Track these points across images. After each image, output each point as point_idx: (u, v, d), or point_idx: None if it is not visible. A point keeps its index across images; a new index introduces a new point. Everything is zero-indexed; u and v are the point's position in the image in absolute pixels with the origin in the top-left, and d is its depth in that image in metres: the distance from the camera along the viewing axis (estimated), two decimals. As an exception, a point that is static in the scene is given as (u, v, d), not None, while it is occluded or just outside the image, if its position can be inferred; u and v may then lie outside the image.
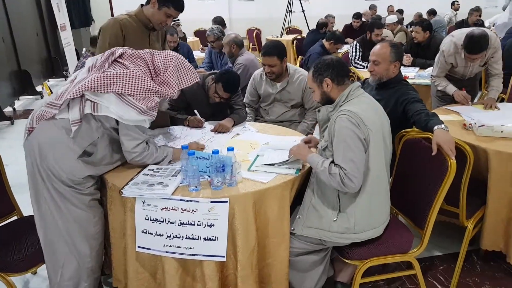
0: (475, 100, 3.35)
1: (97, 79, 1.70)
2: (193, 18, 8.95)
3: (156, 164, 1.95)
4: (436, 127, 1.97)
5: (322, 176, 1.77)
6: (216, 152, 1.78)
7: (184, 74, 1.92)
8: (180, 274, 1.80)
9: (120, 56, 1.83)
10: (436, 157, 1.88)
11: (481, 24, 7.06)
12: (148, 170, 1.90)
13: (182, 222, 1.73)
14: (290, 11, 8.63)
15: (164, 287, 1.81)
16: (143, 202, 1.74)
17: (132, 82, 1.73)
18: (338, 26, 7.81)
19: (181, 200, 1.71)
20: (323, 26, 6.25)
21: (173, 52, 1.94)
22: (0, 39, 5.48)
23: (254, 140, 2.35)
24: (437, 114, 2.12)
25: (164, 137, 2.40)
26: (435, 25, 8.19)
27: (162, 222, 1.74)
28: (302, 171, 1.93)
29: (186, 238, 1.73)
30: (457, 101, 3.05)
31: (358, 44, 4.89)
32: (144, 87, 1.75)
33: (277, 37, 8.13)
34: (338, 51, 4.91)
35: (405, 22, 8.45)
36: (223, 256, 1.74)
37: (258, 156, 2.08)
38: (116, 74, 1.73)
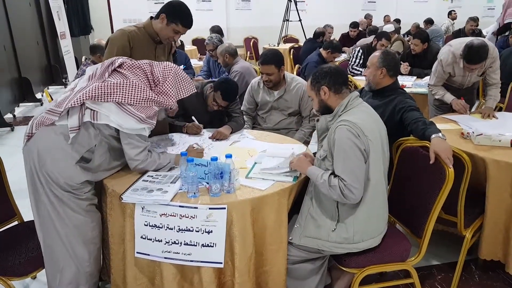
0: (473, 110, 3.37)
1: (98, 88, 1.73)
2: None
3: (158, 170, 1.96)
4: (433, 135, 1.98)
5: (322, 189, 1.78)
6: (214, 159, 1.79)
7: (182, 85, 1.97)
8: (178, 280, 1.80)
9: (120, 66, 1.86)
10: (434, 166, 1.89)
11: (478, 33, 7.12)
12: (148, 176, 1.91)
13: (180, 228, 1.73)
14: (287, 20, 8.68)
15: (162, 293, 1.81)
16: (143, 208, 1.74)
17: (132, 91, 1.77)
18: (335, 35, 7.87)
19: (180, 206, 1.71)
20: (320, 35, 6.29)
21: (172, 63, 1.98)
22: (1, 47, 5.53)
23: (252, 148, 2.36)
24: (434, 123, 2.14)
25: (163, 144, 2.41)
26: (432, 34, 8.25)
27: (161, 228, 1.74)
28: (300, 178, 1.94)
29: (184, 244, 1.74)
30: (454, 110, 3.06)
31: (362, 50, 4.91)
32: (143, 97, 1.79)
33: (274, 46, 8.17)
34: (336, 60, 4.95)
35: (402, 31, 8.52)
36: (221, 263, 1.74)
37: (256, 163, 2.09)
38: (116, 83, 1.76)
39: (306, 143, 2.96)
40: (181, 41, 6.69)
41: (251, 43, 8.45)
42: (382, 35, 4.98)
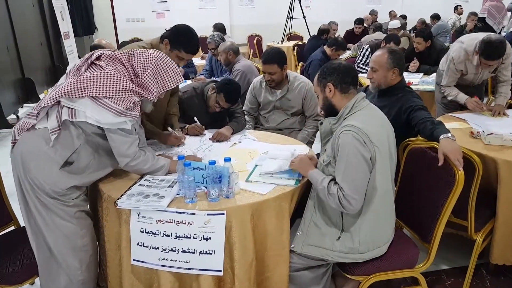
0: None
1: (71, 84, 1.63)
2: (194, 26, 8.93)
3: (152, 173, 1.89)
4: (442, 136, 1.89)
5: (321, 195, 1.71)
6: (212, 162, 1.71)
7: (165, 76, 1.78)
8: (176, 288, 1.73)
9: (98, 58, 1.75)
10: (443, 168, 1.80)
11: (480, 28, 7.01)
12: (144, 180, 1.85)
13: (178, 235, 1.66)
14: (291, 17, 8.58)
15: (160, 301, 1.75)
16: (138, 214, 1.68)
17: (106, 83, 1.64)
18: (339, 32, 7.76)
19: (177, 212, 1.65)
20: (324, 32, 6.20)
21: (156, 52, 1.82)
22: (4, 47, 5.50)
23: (253, 149, 2.28)
24: (442, 123, 2.04)
25: (164, 146, 2.34)
26: (438, 29, 8.13)
27: (158, 234, 1.68)
28: (302, 181, 1.86)
29: (182, 251, 1.67)
30: (463, 108, 2.97)
31: (370, 48, 4.79)
32: (119, 87, 1.65)
33: (278, 43, 8.08)
34: (340, 57, 4.85)
35: (408, 27, 8.38)
36: (220, 271, 1.67)
37: (256, 166, 2.02)
38: (91, 77, 1.65)
39: (310, 143, 2.88)
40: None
41: (255, 41, 8.36)
42: (391, 38, 4.75)
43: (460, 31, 7.32)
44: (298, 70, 4.85)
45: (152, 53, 1.79)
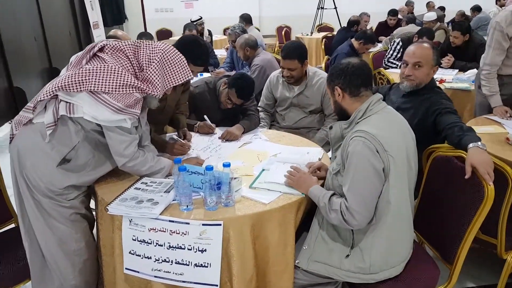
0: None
1: (70, 77, 1.52)
2: (222, 16, 8.83)
3: (151, 175, 1.78)
4: (471, 145, 1.67)
5: (323, 213, 1.55)
6: (210, 168, 1.58)
7: (172, 70, 1.66)
8: (170, 300, 1.62)
9: (101, 49, 1.64)
10: (470, 181, 1.59)
11: None
12: (141, 183, 1.74)
13: (171, 245, 1.55)
14: (322, 8, 8.28)
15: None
16: (130, 221, 1.57)
17: (107, 77, 1.53)
18: (372, 24, 7.41)
19: (170, 221, 1.53)
20: (354, 24, 5.90)
21: (164, 44, 1.70)
22: (32, 38, 5.56)
23: (263, 151, 2.13)
24: (473, 129, 1.81)
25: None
26: (479, 22, 7.62)
27: (150, 244, 1.56)
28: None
29: (175, 263, 1.56)
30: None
31: (401, 42, 4.48)
32: (120, 83, 1.54)
33: (307, 35, 7.83)
34: (369, 51, 4.59)
35: (446, 20, 7.91)
36: (216, 285, 1.55)
37: (263, 170, 1.87)
38: (91, 70, 1.53)
39: (328, 144, 2.69)
40: (209, 31, 6.53)
41: (283, 32, 8.14)
42: (424, 32, 4.37)
43: None
44: (323, 64, 4.62)
45: (158, 45, 1.67)
